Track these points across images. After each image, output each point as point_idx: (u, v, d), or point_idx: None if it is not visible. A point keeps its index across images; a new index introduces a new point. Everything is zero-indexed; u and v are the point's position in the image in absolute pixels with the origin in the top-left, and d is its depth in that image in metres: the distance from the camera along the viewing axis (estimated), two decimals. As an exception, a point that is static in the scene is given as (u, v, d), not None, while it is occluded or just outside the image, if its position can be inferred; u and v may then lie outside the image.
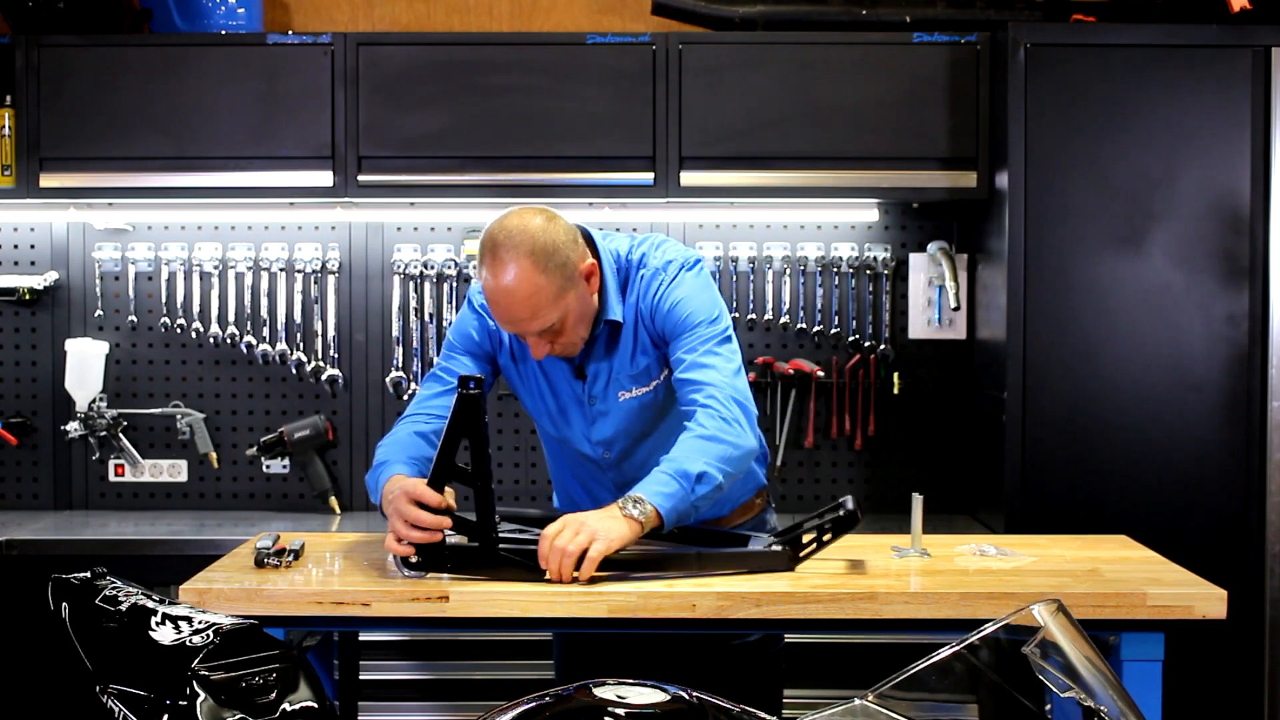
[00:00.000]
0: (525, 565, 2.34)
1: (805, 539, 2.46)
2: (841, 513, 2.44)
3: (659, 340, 2.59)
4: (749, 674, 2.71)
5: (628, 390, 2.61)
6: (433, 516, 2.32)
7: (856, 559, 2.55)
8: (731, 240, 3.98)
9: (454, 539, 2.38)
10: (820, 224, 4.01)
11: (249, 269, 4.00)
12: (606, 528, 2.31)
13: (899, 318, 4.02)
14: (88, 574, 1.72)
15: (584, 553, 2.29)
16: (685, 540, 2.57)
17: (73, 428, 3.96)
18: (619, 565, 2.34)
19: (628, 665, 2.62)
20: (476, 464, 2.32)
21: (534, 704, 1.45)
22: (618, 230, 2.81)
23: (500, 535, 2.38)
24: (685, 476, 2.37)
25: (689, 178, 3.67)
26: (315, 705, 1.57)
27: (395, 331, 4.00)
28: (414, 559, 2.33)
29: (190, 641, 1.57)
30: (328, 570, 2.48)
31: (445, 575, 2.35)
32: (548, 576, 2.32)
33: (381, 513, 2.45)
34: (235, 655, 1.56)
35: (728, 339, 2.57)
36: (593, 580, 2.31)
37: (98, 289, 4.02)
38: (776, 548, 2.46)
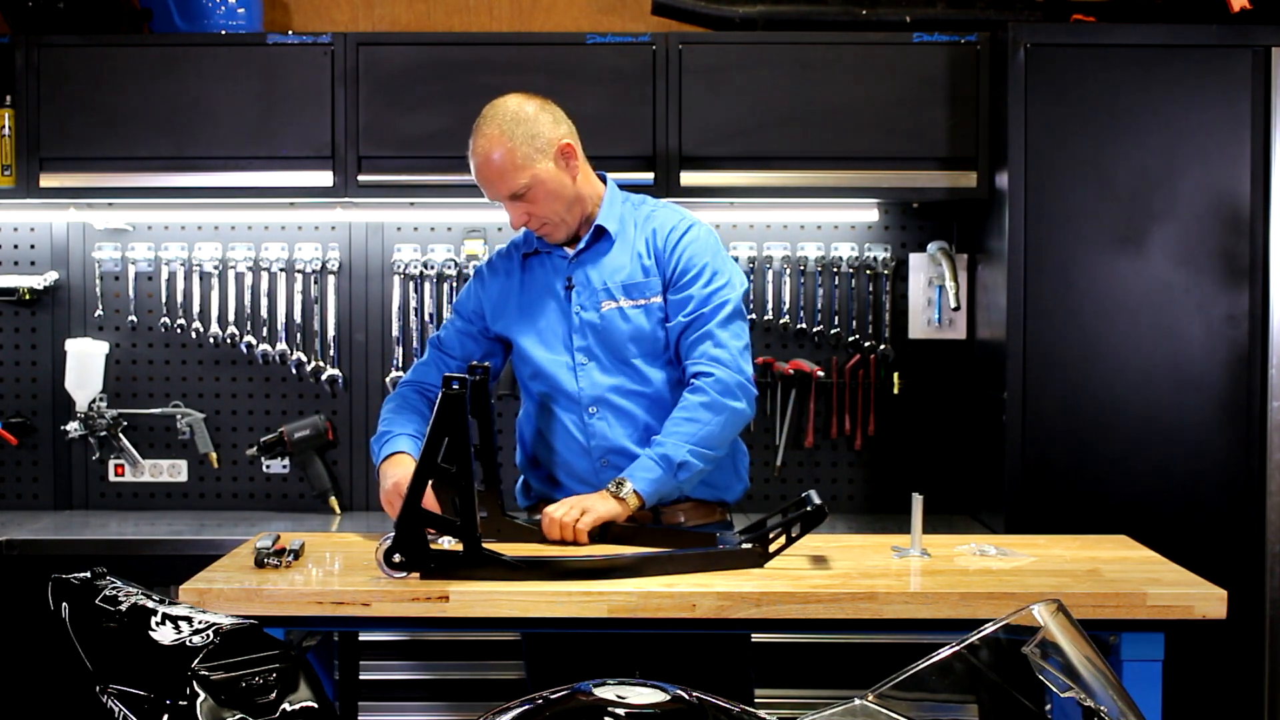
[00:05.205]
0: (507, 564, 2.36)
1: (773, 535, 2.50)
2: (809, 508, 2.48)
3: (665, 276, 2.79)
4: (715, 666, 2.73)
5: (613, 300, 2.78)
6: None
7: (856, 559, 2.55)
8: (731, 240, 3.97)
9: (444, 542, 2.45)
10: (820, 224, 4.01)
11: (249, 269, 4.00)
12: (595, 505, 2.64)
13: (899, 318, 4.02)
14: (88, 574, 1.72)
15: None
16: (658, 541, 2.62)
17: (73, 428, 3.96)
18: (592, 574, 2.38)
19: (595, 663, 2.68)
20: (460, 465, 2.34)
21: (533, 704, 1.45)
22: None
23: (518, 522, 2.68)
24: (668, 461, 2.66)
25: (689, 178, 3.67)
26: (315, 705, 1.57)
27: (395, 331, 4.01)
28: (397, 559, 2.34)
29: (190, 641, 1.57)
30: (328, 570, 2.48)
31: (434, 576, 2.36)
32: (550, 540, 2.64)
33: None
34: (235, 655, 1.56)
35: (738, 310, 2.78)
36: (590, 576, 2.35)
37: (98, 289, 4.01)
38: (746, 546, 2.49)
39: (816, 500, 2.49)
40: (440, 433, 2.34)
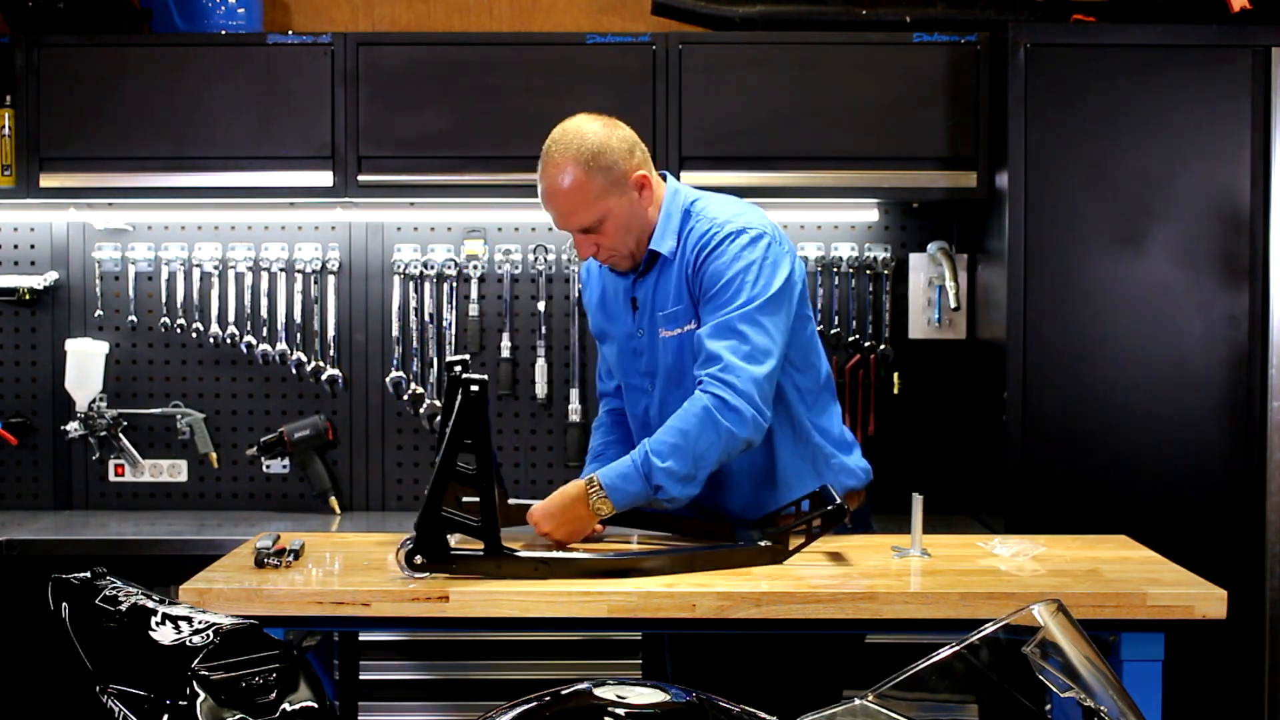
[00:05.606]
0: (530, 564, 2.35)
1: (793, 534, 2.50)
2: (830, 507, 2.47)
3: (695, 294, 2.65)
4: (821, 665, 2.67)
5: (668, 330, 2.68)
6: None
7: (856, 559, 2.55)
8: (731, 240, 3.97)
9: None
10: (820, 224, 4.01)
11: (249, 269, 4.00)
12: (567, 531, 2.55)
13: (899, 318, 4.02)
14: (88, 574, 1.72)
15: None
16: (676, 530, 2.64)
17: (73, 428, 3.96)
18: (614, 573, 2.38)
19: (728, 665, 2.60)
20: (480, 465, 2.33)
21: (534, 704, 1.45)
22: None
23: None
24: (647, 478, 2.50)
25: (689, 178, 3.66)
26: (315, 705, 1.57)
27: (395, 331, 4.00)
28: (418, 559, 2.34)
29: (190, 641, 1.57)
30: (328, 570, 2.48)
31: (457, 576, 2.36)
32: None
33: None
34: (235, 655, 1.56)
35: (753, 320, 2.54)
36: (612, 575, 2.37)
37: (98, 289, 4.01)
38: (764, 544, 2.49)
39: (835, 496, 2.48)
40: (460, 433, 2.33)
